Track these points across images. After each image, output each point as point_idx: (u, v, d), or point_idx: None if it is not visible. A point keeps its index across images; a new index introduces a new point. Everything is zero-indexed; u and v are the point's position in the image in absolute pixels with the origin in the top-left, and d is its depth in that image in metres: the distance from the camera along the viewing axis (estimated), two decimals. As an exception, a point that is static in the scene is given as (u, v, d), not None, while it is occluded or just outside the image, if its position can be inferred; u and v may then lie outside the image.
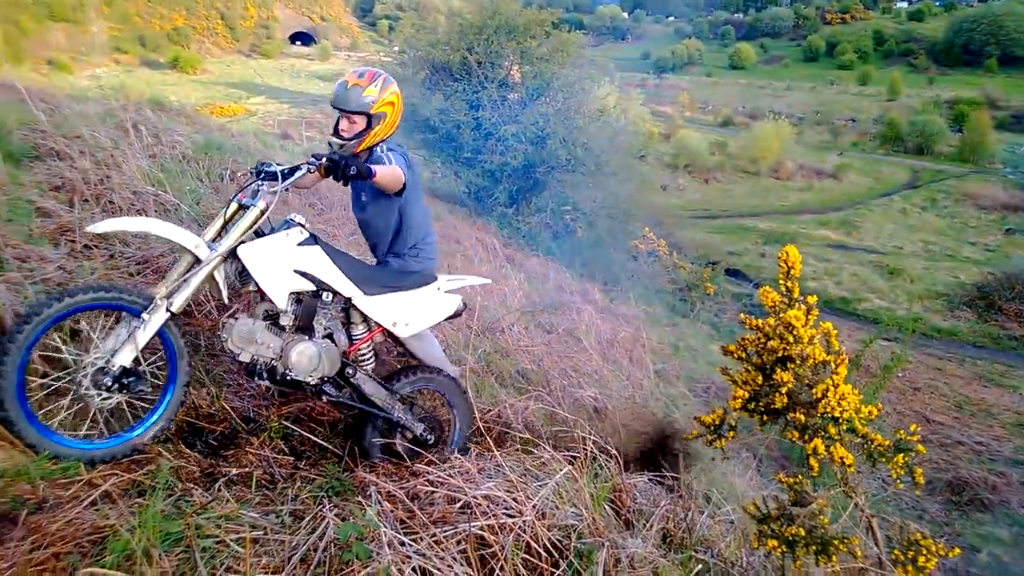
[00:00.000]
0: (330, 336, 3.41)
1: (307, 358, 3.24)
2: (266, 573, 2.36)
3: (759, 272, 24.62)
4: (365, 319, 3.53)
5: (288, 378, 3.23)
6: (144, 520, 2.35)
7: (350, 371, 3.44)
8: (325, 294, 3.34)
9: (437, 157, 17.53)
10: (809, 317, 3.04)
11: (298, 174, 3.20)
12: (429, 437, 3.66)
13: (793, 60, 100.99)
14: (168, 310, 2.91)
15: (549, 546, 2.72)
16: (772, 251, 27.62)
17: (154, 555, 2.26)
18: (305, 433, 3.55)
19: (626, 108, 22.81)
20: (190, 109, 13.35)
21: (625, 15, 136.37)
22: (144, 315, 2.86)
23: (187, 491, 2.79)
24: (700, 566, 3.03)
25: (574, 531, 2.83)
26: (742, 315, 3.33)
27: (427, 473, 3.02)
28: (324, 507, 2.75)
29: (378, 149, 3.57)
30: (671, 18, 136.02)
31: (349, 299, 3.40)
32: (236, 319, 3.17)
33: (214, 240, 3.09)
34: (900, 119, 59.69)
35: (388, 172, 3.34)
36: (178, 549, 2.38)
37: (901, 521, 3.35)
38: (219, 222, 3.12)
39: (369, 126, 3.48)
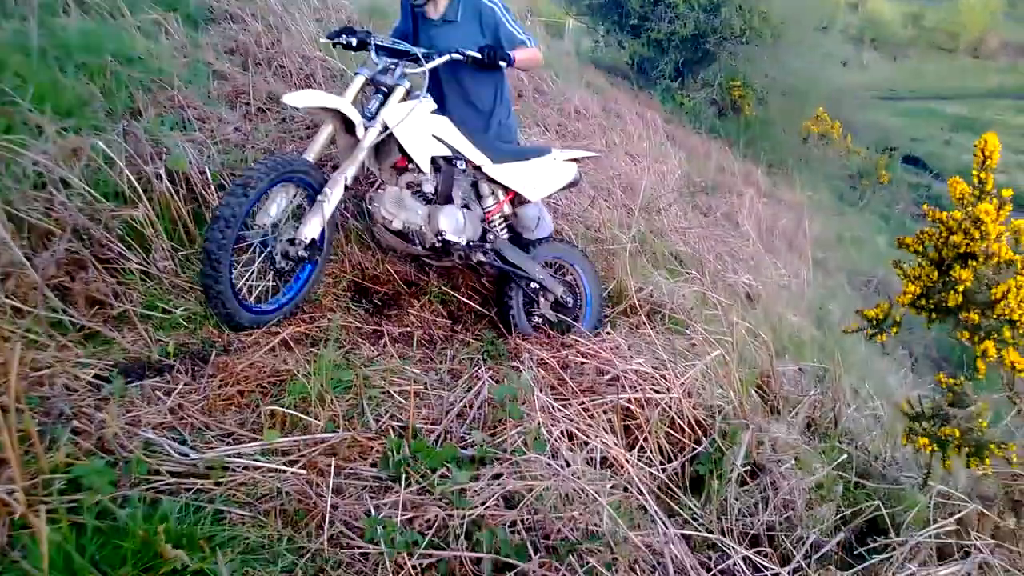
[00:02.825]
0: (466, 207, 3.54)
1: (454, 220, 3.38)
2: (425, 423, 2.55)
3: (941, 161, 22.45)
4: (493, 191, 3.64)
5: (440, 241, 3.34)
6: (319, 367, 2.57)
7: (491, 236, 3.58)
8: (459, 162, 3.42)
9: (600, 25, 16.71)
10: (1001, 213, 2.79)
11: (440, 60, 3.23)
12: (569, 300, 3.75)
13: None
14: (346, 185, 3.00)
15: (693, 423, 2.76)
16: (959, 139, 25.00)
17: (327, 399, 2.48)
18: (462, 299, 3.70)
19: (810, -28, 20.72)
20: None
21: None
22: (326, 189, 2.94)
23: (355, 345, 3.02)
24: (843, 456, 2.99)
25: (719, 412, 2.85)
26: (925, 205, 3.10)
27: (578, 344, 3.10)
28: (480, 368, 2.91)
29: (486, 2, 3.49)
30: None
31: (479, 168, 3.49)
32: (383, 190, 3.28)
33: None
34: None
35: (529, 57, 3.44)
36: (348, 396, 2.60)
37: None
38: (349, 97, 3.08)
39: None
